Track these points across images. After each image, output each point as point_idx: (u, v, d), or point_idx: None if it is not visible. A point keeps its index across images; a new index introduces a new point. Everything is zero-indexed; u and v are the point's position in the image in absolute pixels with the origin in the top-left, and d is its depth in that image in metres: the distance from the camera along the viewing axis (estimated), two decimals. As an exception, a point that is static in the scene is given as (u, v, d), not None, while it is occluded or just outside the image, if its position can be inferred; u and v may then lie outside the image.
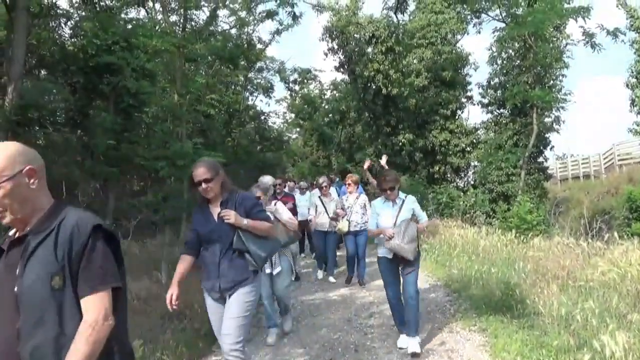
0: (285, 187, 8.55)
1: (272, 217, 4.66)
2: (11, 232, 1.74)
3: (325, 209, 7.88)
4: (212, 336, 4.76)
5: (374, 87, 17.41)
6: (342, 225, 7.44)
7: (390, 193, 4.66)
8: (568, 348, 3.91)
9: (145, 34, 10.31)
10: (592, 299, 4.46)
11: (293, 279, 6.06)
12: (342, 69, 19.68)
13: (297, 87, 29.70)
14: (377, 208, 4.82)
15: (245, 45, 21.08)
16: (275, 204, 5.00)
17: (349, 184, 7.71)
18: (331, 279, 8.02)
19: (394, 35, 17.08)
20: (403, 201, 4.73)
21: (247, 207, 3.25)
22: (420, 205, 5.28)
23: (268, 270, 4.95)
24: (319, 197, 8.12)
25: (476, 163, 18.42)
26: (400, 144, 17.55)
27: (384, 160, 7.84)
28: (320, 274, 8.31)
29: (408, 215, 4.63)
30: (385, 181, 4.72)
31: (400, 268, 4.67)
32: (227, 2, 16.32)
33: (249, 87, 26.26)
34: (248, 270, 3.18)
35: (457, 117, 18.85)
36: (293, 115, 31.05)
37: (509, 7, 15.94)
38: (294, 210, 7.43)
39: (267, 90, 27.71)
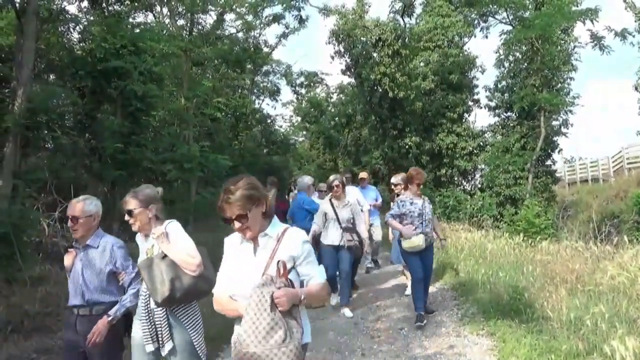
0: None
1: (157, 250, 2.80)
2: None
3: (337, 217, 5.95)
4: (218, 340, 4.78)
5: (380, 90, 17.41)
6: (418, 241, 5.29)
7: (239, 225, 2.15)
8: (577, 353, 3.86)
9: (152, 37, 10.44)
10: (602, 304, 4.41)
11: None
12: (348, 72, 19.76)
13: (303, 91, 29.89)
14: (231, 250, 2.33)
15: (252, 48, 21.24)
16: (166, 227, 2.87)
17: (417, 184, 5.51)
18: (347, 311, 5.95)
19: (401, 38, 17.09)
20: (277, 244, 2.23)
21: None
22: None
23: (150, 347, 2.81)
24: (330, 200, 6.12)
25: (483, 166, 18.36)
26: (407, 147, 17.51)
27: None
28: (333, 299, 6.22)
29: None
30: (229, 191, 2.12)
31: None
32: (234, 6, 16.42)
33: (255, 90, 26.41)
34: None
35: (464, 120, 18.81)
36: (299, 119, 31.18)
37: (515, 10, 15.91)
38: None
39: (274, 93, 27.87)
